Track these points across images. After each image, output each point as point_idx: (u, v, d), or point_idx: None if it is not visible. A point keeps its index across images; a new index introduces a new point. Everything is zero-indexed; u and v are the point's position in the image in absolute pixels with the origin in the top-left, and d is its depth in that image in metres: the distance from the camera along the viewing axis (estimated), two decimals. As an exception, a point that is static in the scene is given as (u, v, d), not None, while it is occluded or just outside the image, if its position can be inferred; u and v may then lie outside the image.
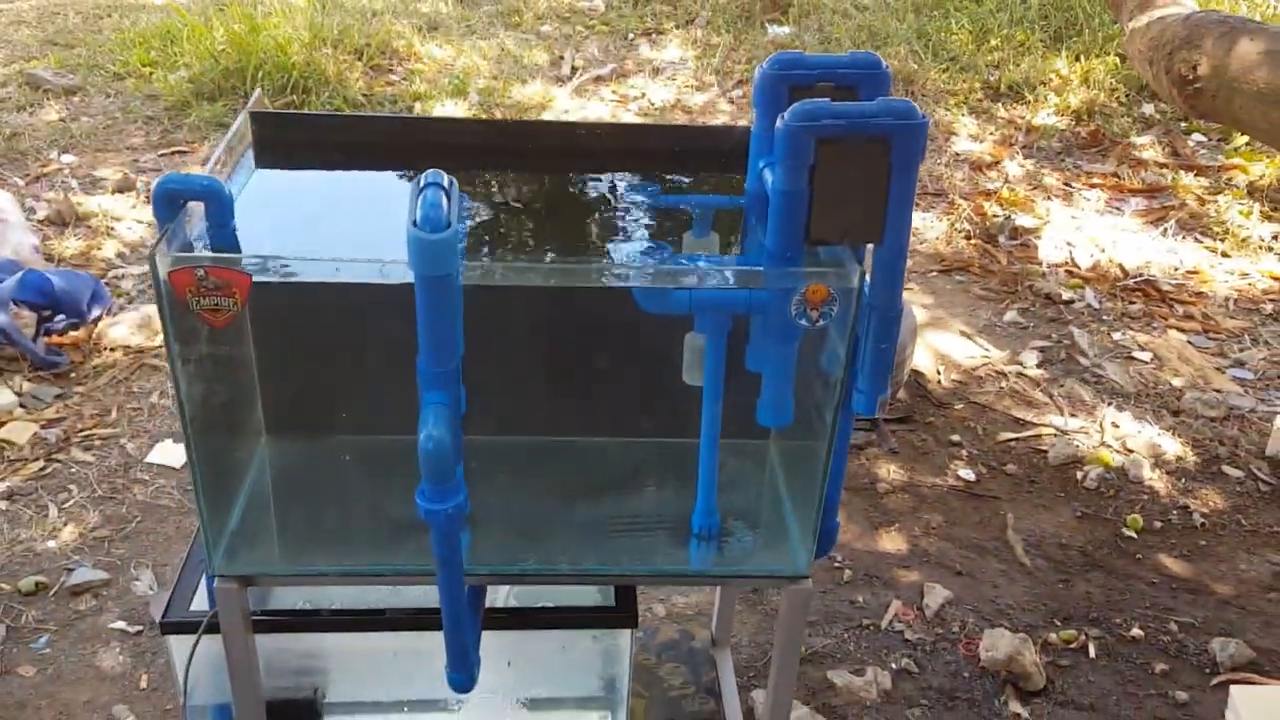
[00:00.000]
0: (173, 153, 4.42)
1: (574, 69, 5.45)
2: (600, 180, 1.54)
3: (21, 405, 2.87)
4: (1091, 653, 2.29)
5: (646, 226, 1.43)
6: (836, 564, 2.49)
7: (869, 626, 2.33)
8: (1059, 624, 2.36)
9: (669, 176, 1.53)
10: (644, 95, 5.19)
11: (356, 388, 1.46)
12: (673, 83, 5.33)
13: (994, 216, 4.10)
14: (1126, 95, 5.06)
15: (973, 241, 3.99)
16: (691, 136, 1.81)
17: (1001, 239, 4.00)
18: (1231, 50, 2.59)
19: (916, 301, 3.58)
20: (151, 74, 5.04)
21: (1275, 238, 4.04)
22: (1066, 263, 3.88)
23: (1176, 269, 3.87)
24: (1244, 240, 4.01)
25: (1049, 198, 4.32)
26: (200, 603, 1.46)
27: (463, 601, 1.24)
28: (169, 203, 1.19)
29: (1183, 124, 4.88)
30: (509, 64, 5.45)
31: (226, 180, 1.31)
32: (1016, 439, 2.97)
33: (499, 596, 1.59)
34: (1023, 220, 4.11)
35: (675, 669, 1.90)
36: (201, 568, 1.50)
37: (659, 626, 2.09)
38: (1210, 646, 2.30)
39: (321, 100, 4.76)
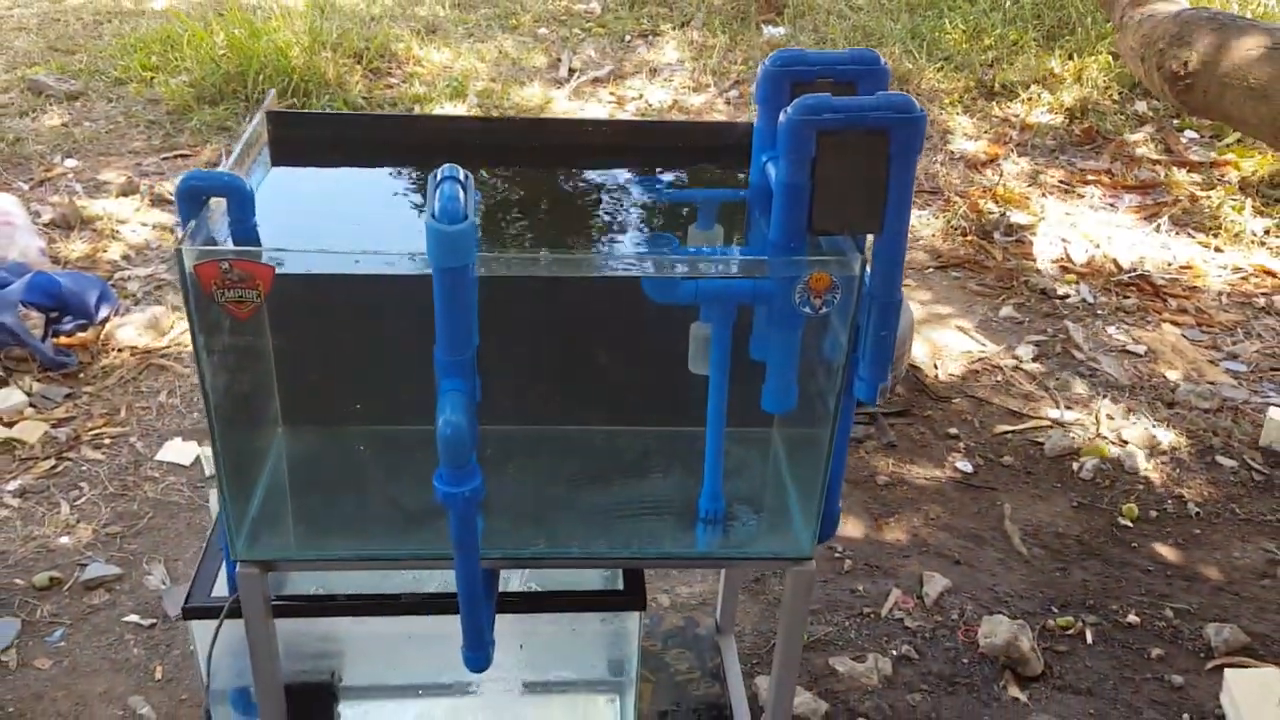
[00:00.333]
0: (175, 156, 4.46)
1: (572, 71, 5.49)
2: (608, 175, 1.58)
3: (31, 405, 2.91)
4: (1088, 638, 2.33)
5: (653, 220, 1.48)
6: (837, 554, 2.54)
7: (870, 615, 2.38)
8: (1056, 611, 2.41)
9: (674, 171, 1.58)
10: (641, 96, 5.24)
11: (370, 380, 1.50)
12: (670, 84, 5.38)
13: (989, 213, 4.14)
14: (1120, 93, 5.11)
15: (968, 238, 4.03)
16: (694, 133, 1.85)
17: (997, 235, 4.05)
18: (1222, 46, 2.64)
19: (913, 298, 3.62)
20: (153, 79, 5.08)
21: (1268, 232, 4.09)
22: (1061, 258, 3.93)
23: (1170, 264, 3.92)
24: (1237, 235, 4.05)
25: (1044, 194, 4.37)
26: (220, 590, 1.50)
27: (478, 583, 1.28)
28: (192, 198, 1.23)
29: (1176, 121, 4.93)
30: (507, 66, 5.49)
31: (245, 177, 1.35)
32: (1013, 431, 3.01)
33: (512, 584, 1.63)
34: (1018, 217, 4.16)
35: (681, 654, 1.94)
36: (220, 557, 1.53)
37: (664, 615, 2.13)
38: (1205, 631, 2.35)
39: (322, 103, 4.81)
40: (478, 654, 1.33)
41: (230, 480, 1.32)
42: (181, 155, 4.47)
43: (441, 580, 1.58)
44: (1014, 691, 2.19)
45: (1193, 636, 2.35)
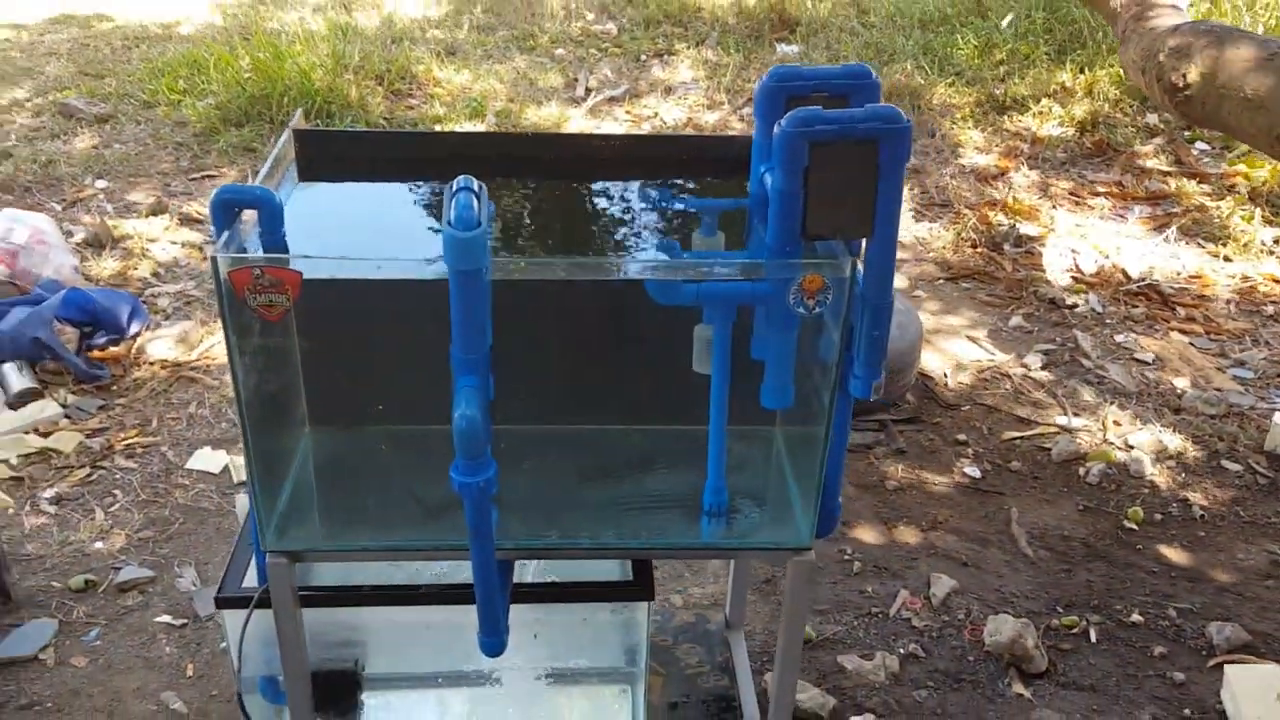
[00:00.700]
0: (202, 177, 4.58)
1: (588, 90, 5.60)
2: (616, 187, 1.67)
3: (67, 416, 3.01)
4: (1092, 637, 2.38)
5: (658, 227, 1.56)
6: (847, 556, 2.60)
7: (878, 614, 2.43)
8: (1061, 610, 2.46)
9: (679, 182, 1.66)
10: (656, 115, 5.33)
11: (392, 382, 1.58)
12: (684, 102, 5.47)
13: (999, 225, 4.20)
14: (1130, 105, 5.17)
15: (979, 250, 4.09)
16: (698, 146, 1.94)
17: (1007, 247, 4.11)
18: (1219, 58, 2.70)
19: (924, 308, 3.69)
20: (180, 102, 5.21)
21: (1277, 241, 4.13)
22: (1071, 269, 3.99)
23: (1179, 273, 3.97)
24: (1246, 244, 4.10)
25: (1054, 206, 4.43)
26: (250, 581, 1.58)
27: (493, 570, 1.35)
28: (225, 210, 1.32)
29: (1187, 133, 4.98)
30: (525, 87, 5.60)
31: (275, 190, 1.44)
32: (1021, 437, 3.07)
33: (525, 577, 1.71)
34: (1028, 228, 4.22)
35: (691, 649, 2.01)
36: (250, 552, 1.62)
37: (675, 612, 2.19)
38: (1207, 630, 2.39)
39: (345, 124, 4.93)
40: (493, 639, 1.41)
41: (260, 475, 1.40)
42: (208, 176, 4.59)
43: (461, 575, 1.65)
44: (1018, 688, 2.25)
45: (1195, 635, 2.39)
